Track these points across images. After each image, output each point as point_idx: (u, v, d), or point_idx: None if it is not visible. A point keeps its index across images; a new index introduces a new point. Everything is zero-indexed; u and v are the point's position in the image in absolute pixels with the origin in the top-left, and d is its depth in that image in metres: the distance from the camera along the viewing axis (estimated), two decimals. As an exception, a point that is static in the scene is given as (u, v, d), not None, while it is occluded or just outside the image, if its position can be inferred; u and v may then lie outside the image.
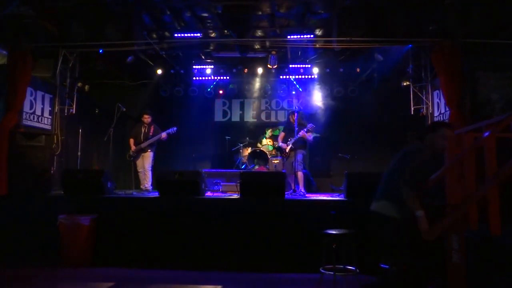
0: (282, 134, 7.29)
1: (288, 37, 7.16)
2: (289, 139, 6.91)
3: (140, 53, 7.85)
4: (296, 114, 6.87)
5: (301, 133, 6.73)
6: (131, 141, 7.39)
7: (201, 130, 9.75)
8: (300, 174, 6.76)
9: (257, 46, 7.67)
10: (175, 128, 7.37)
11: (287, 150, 6.91)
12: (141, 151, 7.29)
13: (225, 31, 7.12)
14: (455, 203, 3.48)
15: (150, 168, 7.28)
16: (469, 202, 3.16)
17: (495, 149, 3.17)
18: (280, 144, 7.13)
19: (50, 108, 7.45)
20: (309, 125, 6.82)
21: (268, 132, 9.28)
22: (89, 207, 5.47)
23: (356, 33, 6.45)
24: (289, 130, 7.03)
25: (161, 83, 9.34)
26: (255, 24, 7.04)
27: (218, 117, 10.35)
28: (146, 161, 7.27)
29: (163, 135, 7.28)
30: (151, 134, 7.34)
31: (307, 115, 8.09)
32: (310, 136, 6.85)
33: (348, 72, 8.76)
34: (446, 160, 3.87)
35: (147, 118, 7.44)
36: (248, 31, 7.16)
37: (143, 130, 7.39)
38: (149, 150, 7.32)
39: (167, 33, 7.16)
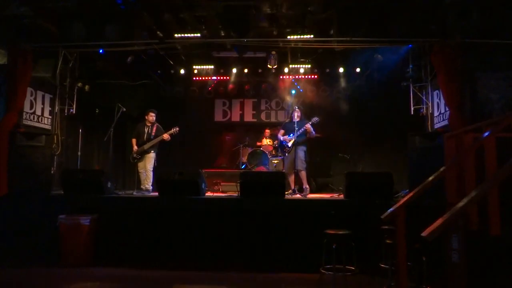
0: (281, 131, 7.24)
1: (288, 37, 7.16)
2: (291, 133, 6.86)
3: (140, 53, 7.85)
4: (298, 111, 6.93)
5: (307, 125, 6.74)
6: (133, 141, 7.34)
7: (201, 130, 9.75)
8: (303, 173, 6.75)
9: (257, 46, 7.66)
10: (177, 128, 7.35)
11: (289, 144, 6.87)
12: (144, 153, 7.26)
13: (225, 31, 7.12)
14: (455, 203, 3.47)
15: (151, 169, 7.25)
16: (469, 202, 3.16)
17: (495, 149, 3.17)
18: (281, 138, 7.08)
19: (50, 108, 7.46)
20: (314, 119, 6.85)
21: (267, 132, 9.26)
22: (89, 207, 5.46)
23: (356, 33, 6.45)
24: (290, 127, 7.01)
25: (161, 83, 9.33)
26: (255, 24, 7.04)
27: (218, 117, 10.36)
28: (148, 162, 7.23)
29: (165, 136, 7.24)
30: (153, 134, 7.29)
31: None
32: (313, 130, 6.83)
33: (348, 72, 8.76)
34: (446, 160, 3.87)
35: (152, 116, 7.35)
36: (248, 31, 7.15)
37: (146, 130, 7.34)
38: (152, 151, 7.27)
39: (167, 33, 7.15)
